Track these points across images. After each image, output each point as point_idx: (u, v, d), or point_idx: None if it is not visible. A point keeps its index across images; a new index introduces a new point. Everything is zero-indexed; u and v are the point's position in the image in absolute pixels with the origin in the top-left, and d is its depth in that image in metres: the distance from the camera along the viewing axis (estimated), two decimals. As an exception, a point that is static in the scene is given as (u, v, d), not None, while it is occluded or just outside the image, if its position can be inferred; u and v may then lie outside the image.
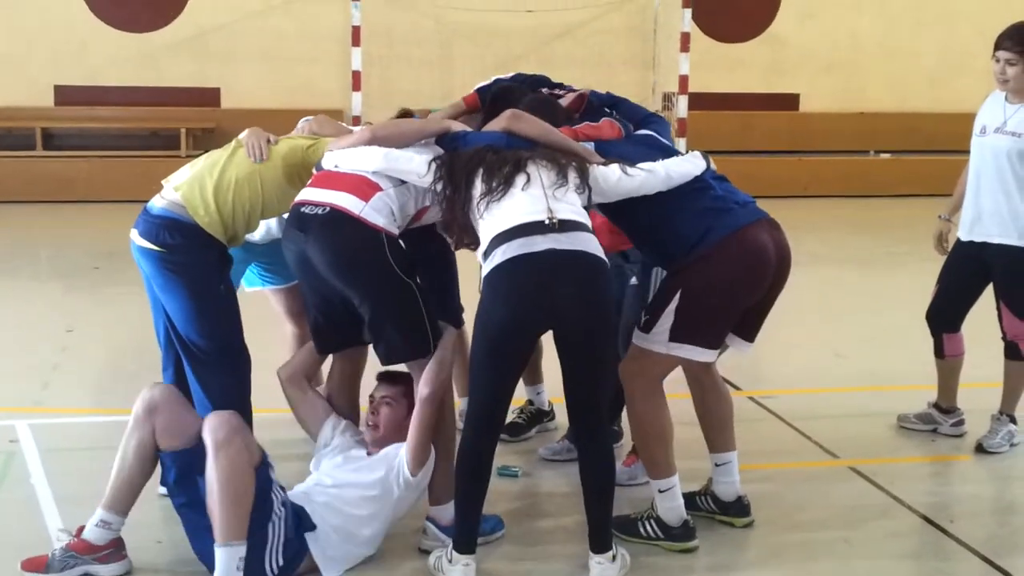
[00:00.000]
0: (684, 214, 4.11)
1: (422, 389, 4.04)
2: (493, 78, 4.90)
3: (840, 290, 9.21)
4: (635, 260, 4.71)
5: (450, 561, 3.91)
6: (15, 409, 5.59)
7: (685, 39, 13.17)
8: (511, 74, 5.08)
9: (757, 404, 5.91)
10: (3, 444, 5.12)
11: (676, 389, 4.34)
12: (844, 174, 14.07)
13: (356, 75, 12.63)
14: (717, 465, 4.48)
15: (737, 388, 5.90)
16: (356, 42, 12.60)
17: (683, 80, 13.20)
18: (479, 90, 4.82)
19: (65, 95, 12.98)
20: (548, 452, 5.08)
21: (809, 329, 7.61)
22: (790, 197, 13.01)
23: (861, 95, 14.83)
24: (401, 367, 4.24)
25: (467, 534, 3.92)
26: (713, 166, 4.28)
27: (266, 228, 4.80)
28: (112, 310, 7.70)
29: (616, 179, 4.07)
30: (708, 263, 4.04)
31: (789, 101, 14.81)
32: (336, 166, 4.19)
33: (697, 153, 4.31)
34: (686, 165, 4.18)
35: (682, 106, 13.21)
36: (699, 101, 13.44)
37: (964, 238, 5.33)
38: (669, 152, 4.32)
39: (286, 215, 4.31)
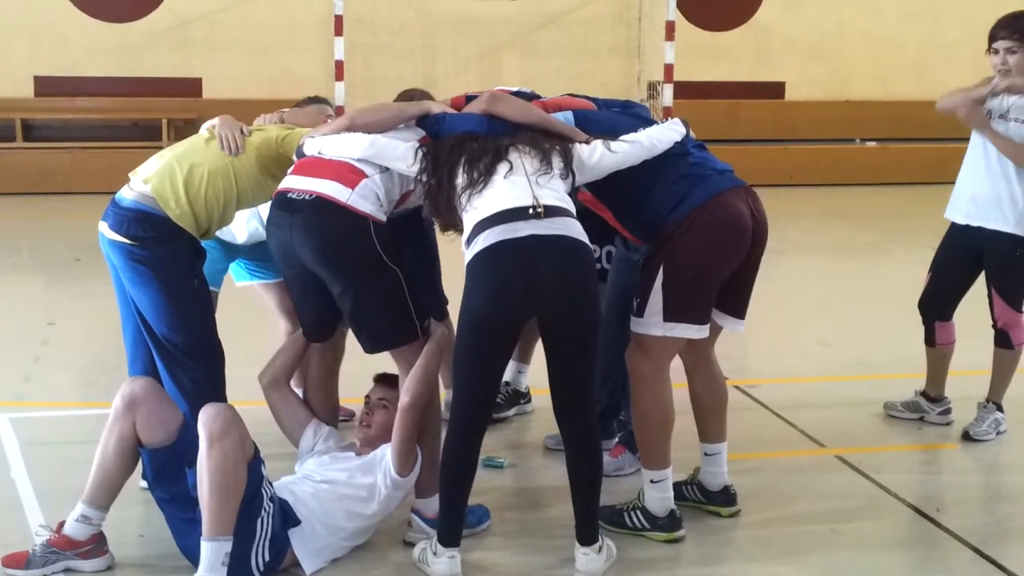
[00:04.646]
0: (661, 183, 4.07)
1: (403, 398, 3.99)
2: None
3: (826, 279, 9.20)
4: (643, 251, 4.66)
5: (435, 553, 3.87)
6: (-6, 401, 5.55)
7: (670, 27, 13.15)
8: (515, 88, 4.90)
9: (743, 393, 5.88)
10: (-17, 438, 5.07)
11: (673, 378, 4.28)
12: (830, 162, 14.07)
13: (339, 64, 12.57)
14: (707, 455, 4.46)
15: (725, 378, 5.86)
16: (339, 31, 12.55)
17: (668, 69, 13.18)
18: (468, 96, 4.72)
19: (45, 86, 12.89)
20: (553, 442, 4.98)
21: (795, 318, 7.59)
22: (776, 186, 13.00)
23: (846, 83, 14.83)
24: (385, 370, 4.20)
25: (452, 527, 3.88)
26: (692, 133, 4.24)
27: (249, 232, 4.73)
28: (94, 302, 7.60)
29: (598, 157, 4.02)
30: (686, 232, 4.00)
31: (775, 90, 14.80)
32: (320, 152, 4.14)
33: (677, 120, 4.26)
34: (668, 132, 4.15)
35: (667, 95, 13.20)
36: (684, 90, 13.42)
37: (961, 221, 5.29)
38: (649, 121, 4.29)
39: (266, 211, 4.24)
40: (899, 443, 5.37)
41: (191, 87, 13.20)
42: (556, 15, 13.77)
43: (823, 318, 7.67)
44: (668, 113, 12.79)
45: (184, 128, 12.46)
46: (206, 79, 13.27)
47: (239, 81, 13.06)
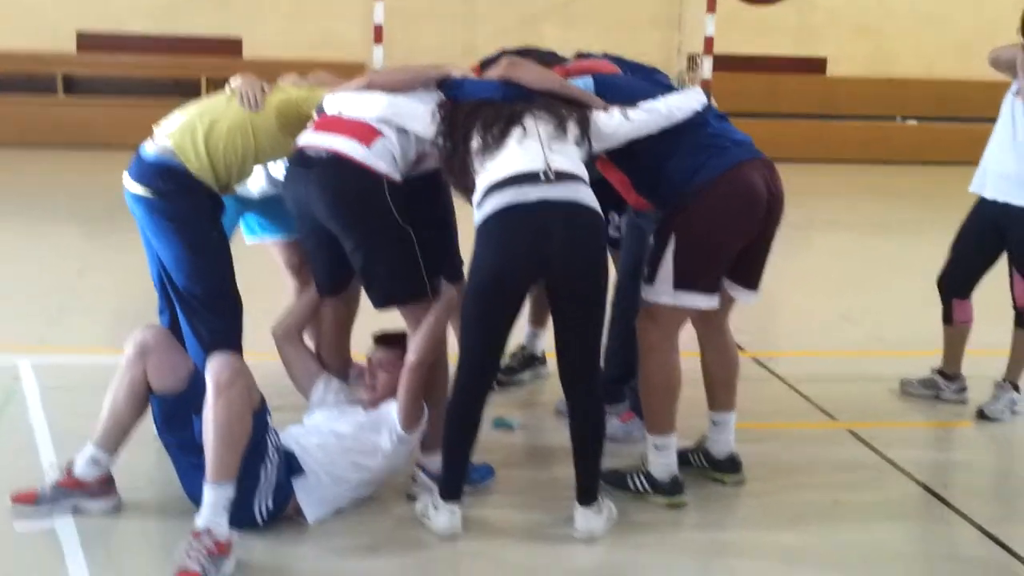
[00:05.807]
0: (679, 152, 4.06)
1: (409, 356, 4.03)
2: (498, 50, 4.72)
3: (855, 256, 9.15)
4: (654, 219, 4.66)
5: (436, 508, 3.92)
6: (19, 347, 5.64)
7: (712, -1, 13.07)
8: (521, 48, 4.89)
9: (760, 365, 5.88)
10: (5, 381, 5.16)
11: (685, 347, 4.31)
12: (870, 140, 13.97)
13: (378, 29, 12.59)
14: (714, 423, 4.47)
15: (742, 349, 5.84)
16: (379, -5, 12.58)
17: (708, 41, 13.09)
18: (483, 63, 4.72)
19: (87, 41, 13.00)
20: (564, 406, 4.99)
21: (820, 293, 7.58)
22: (815, 162, 12.93)
23: (890, 60, 14.66)
24: (397, 327, 4.24)
25: (454, 482, 3.93)
26: (715, 103, 4.22)
27: (262, 186, 4.78)
28: (126, 255, 7.61)
29: (616, 124, 4.03)
30: (699, 202, 4.00)
31: (817, 65, 14.66)
32: (339, 111, 4.17)
33: (698, 88, 4.25)
34: (688, 101, 4.14)
35: (707, 67, 13.10)
36: (725, 63, 13.32)
37: (989, 196, 5.24)
38: (670, 89, 4.28)
39: (281, 168, 4.28)
40: (912, 419, 5.36)
41: (231, 47, 13.27)
42: (596, -16, 13.72)
43: (848, 294, 7.63)
44: (707, 86, 12.70)
45: (223, 87, 12.52)
46: (247, 39, 13.33)
47: (279, 42, 13.12)
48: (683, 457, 4.37)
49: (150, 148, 4.30)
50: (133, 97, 12.75)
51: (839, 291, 7.76)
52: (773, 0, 14.32)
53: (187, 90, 12.75)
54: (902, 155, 13.79)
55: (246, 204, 4.91)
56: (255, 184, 4.77)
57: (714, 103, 4.29)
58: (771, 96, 13.89)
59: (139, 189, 4.24)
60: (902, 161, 13.68)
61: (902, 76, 14.60)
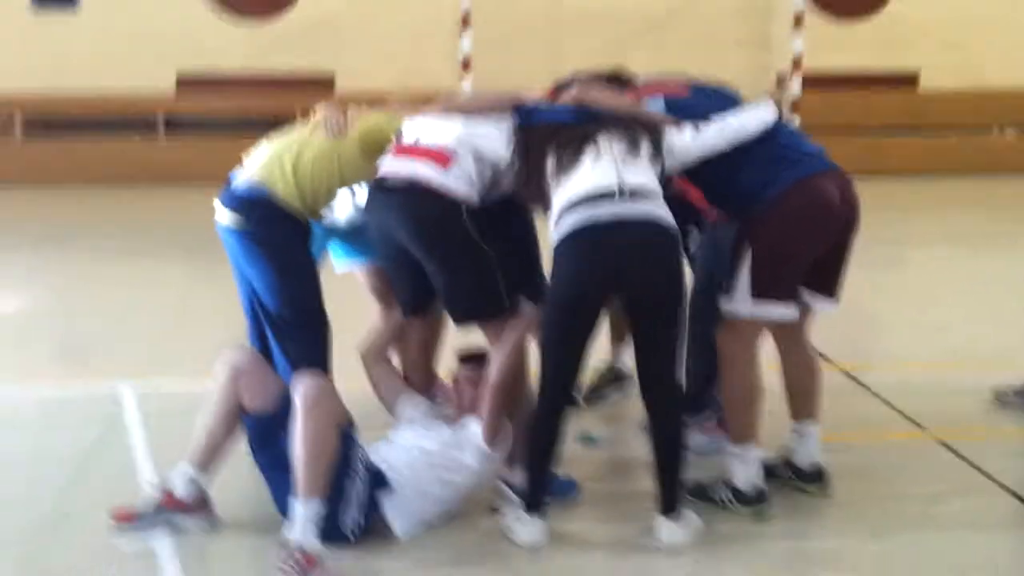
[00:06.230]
0: (751, 164, 4.12)
1: (492, 375, 4.13)
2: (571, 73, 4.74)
3: (951, 268, 8.98)
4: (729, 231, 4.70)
5: (521, 521, 3.99)
6: (121, 374, 5.83)
7: (799, 17, 12.97)
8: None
9: (849, 377, 5.83)
10: (108, 407, 5.36)
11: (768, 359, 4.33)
12: (966, 153, 13.70)
13: (467, 59, 12.77)
14: (796, 433, 4.46)
15: (829, 360, 5.81)
16: (467, 25, 12.75)
17: (797, 59, 13.00)
18: (558, 86, 4.77)
19: (186, 82, 13.40)
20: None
21: (913, 305, 7.49)
22: (910, 176, 12.75)
23: (984, 71, 14.38)
24: (479, 344, 4.33)
25: (537, 495, 4.00)
26: (790, 117, 4.26)
27: (349, 214, 4.92)
28: (224, 286, 7.88)
29: (689, 141, 4.10)
30: (774, 213, 4.05)
31: (908, 79, 14.45)
32: (417, 137, 4.30)
33: (769, 102, 4.32)
34: (758, 114, 4.19)
35: (797, 86, 13.01)
36: (815, 81, 13.21)
37: None
38: (738, 104, 4.33)
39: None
40: (1006, 429, 5.26)
41: (324, 82, 13.56)
42: (683, 8, 13.71)
43: (942, 306, 7.51)
44: (798, 106, 12.61)
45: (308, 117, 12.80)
46: (339, 73, 13.61)
47: (370, 75, 13.34)
48: (767, 468, 4.37)
49: (241, 178, 4.47)
50: (230, 135, 13.08)
51: (933, 303, 7.64)
52: (862, 15, 14.16)
53: (282, 125, 13.08)
54: (1001, 167, 13.52)
55: (333, 232, 5.05)
56: (343, 212, 4.91)
57: (789, 117, 4.32)
58: (863, 112, 13.72)
59: (231, 218, 4.42)
60: (1001, 173, 13.41)
61: (995, 87, 14.31)
